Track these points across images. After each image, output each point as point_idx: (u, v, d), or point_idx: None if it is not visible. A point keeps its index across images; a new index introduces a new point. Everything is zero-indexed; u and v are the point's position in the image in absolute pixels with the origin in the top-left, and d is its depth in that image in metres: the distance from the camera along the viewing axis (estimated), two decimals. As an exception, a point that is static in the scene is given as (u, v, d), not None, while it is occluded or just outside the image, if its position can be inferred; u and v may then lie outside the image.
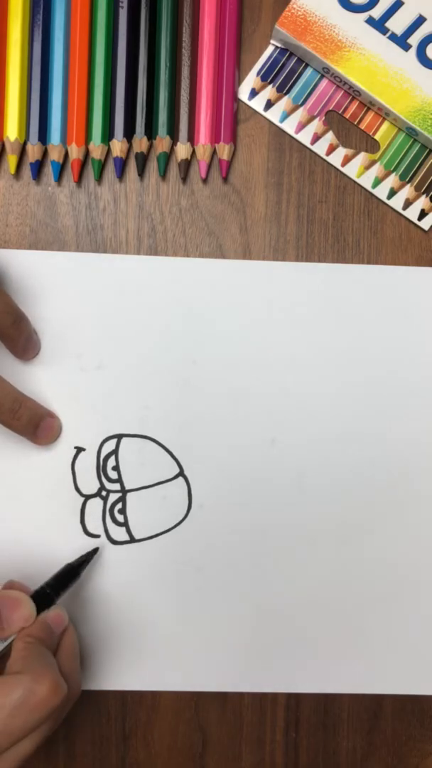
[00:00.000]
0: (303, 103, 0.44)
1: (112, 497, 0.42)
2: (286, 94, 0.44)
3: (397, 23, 0.42)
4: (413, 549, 0.43)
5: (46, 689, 0.33)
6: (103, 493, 0.42)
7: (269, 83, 0.44)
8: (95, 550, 0.41)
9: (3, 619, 0.36)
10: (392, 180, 0.44)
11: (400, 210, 0.44)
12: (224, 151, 0.43)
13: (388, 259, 0.44)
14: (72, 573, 0.39)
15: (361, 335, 0.43)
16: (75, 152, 0.42)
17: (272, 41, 0.44)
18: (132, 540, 0.42)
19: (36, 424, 0.41)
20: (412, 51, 0.42)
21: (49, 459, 0.42)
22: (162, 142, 0.43)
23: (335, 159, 0.44)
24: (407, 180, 0.44)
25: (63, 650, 0.37)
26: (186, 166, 0.43)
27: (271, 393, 0.43)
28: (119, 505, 0.42)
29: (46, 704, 0.33)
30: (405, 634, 0.43)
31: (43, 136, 0.42)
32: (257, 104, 0.44)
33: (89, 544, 0.42)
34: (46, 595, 0.37)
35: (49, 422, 0.41)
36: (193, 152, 0.43)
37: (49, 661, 0.35)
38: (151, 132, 0.43)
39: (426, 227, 0.44)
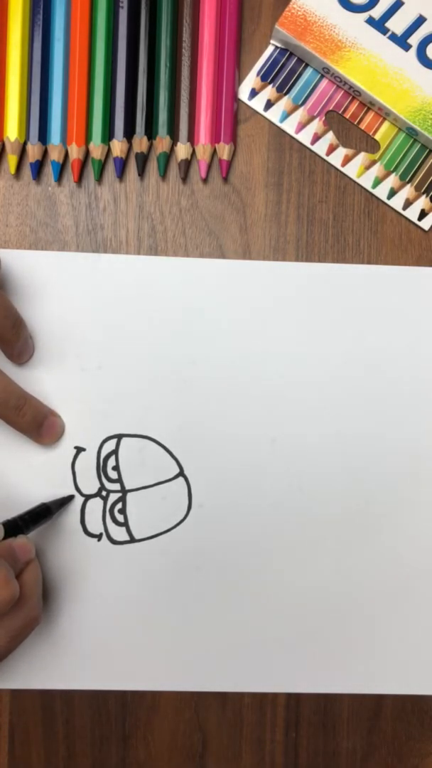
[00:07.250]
0: (303, 103, 0.44)
1: (112, 497, 0.42)
2: (286, 94, 0.44)
3: (397, 23, 0.42)
4: (413, 549, 0.43)
5: None
6: (103, 493, 0.42)
7: (269, 83, 0.44)
8: (71, 497, 0.42)
9: None
10: (392, 180, 0.44)
11: (400, 210, 0.44)
12: (224, 151, 0.43)
13: (388, 259, 0.44)
14: (45, 512, 0.40)
15: (361, 335, 0.43)
16: (75, 152, 0.42)
17: (272, 41, 0.44)
18: (132, 540, 0.42)
19: (40, 423, 0.41)
20: (412, 51, 0.42)
21: (49, 459, 0.42)
22: (162, 142, 0.43)
23: (335, 159, 0.44)
24: (407, 180, 0.44)
25: (24, 575, 0.38)
26: (186, 166, 0.43)
27: (271, 393, 0.43)
28: (119, 505, 0.42)
29: None
30: (405, 634, 0.43)
31: (43, 136, 0.42)
32: (257, 104, 0.44)
33: (89, 544, 0.42)
34: (16, 525, 0.39)
35: (52, 421, 0.41)
36: (193, 152, 0.43)
37: (5, 567, 0.36)
38: (151, 132, 0.43)
39: (426, 227, 0.44)
